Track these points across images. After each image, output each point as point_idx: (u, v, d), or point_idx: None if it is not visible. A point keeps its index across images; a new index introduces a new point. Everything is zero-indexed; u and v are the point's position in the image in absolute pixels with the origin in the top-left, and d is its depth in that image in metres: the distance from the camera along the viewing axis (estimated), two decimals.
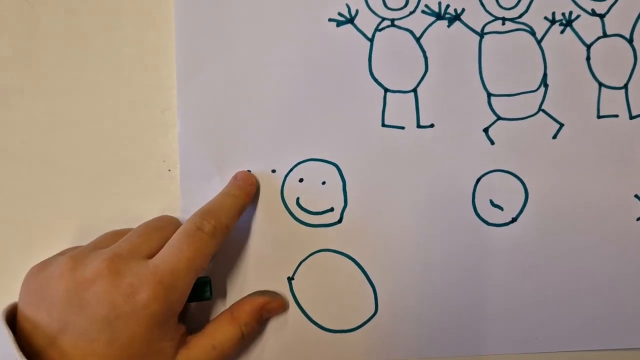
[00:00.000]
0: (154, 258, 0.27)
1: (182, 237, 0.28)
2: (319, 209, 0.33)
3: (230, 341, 0.29)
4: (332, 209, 0.33)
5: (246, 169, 0.33)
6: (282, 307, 0.32)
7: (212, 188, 0.33)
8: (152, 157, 0.34)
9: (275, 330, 0.33)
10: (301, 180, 0.33)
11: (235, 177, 0.32)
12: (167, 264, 0.27)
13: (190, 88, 0.34)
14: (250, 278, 0.32)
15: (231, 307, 0.31)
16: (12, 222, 0.34)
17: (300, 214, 0.33)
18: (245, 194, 0.32)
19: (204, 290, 0.30)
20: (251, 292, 0.32)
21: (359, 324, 0.32)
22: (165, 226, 0.29)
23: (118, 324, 0.25)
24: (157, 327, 0.26)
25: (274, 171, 0.33)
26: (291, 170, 0.33)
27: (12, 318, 0.26)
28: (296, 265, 0.33)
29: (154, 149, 0.34)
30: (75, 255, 0.27)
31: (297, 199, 0.33)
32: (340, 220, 0.33)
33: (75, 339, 0.25)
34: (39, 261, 0.28)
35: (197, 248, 0.27)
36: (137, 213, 0.33)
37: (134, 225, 0.31)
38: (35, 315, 0.26)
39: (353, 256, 0.33)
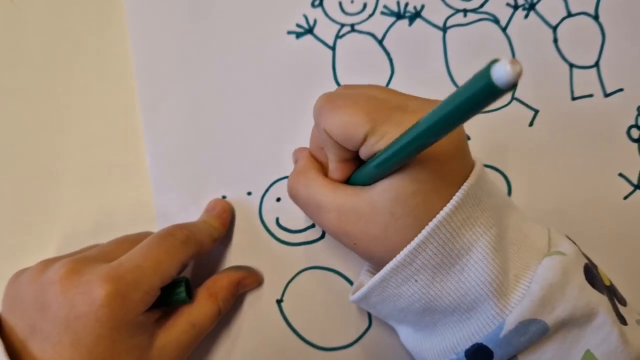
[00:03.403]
0: (120, 258, 0.26)
1: (153, 239, 0.27)
2: (300, 226, 0.32)
3: (209, 318, 0.28)
4: (313, 225, 0.32)
5: (221, 195, 0.32)
6: (258, 281, 0.31)
7: (189, 218, 0.32)
8: (141, 161, 0.33)
9: (271, 355, 0.32)
10: (278, 199, 0.32)
11: (208, 207, 0.32)
12: (132, 261, 0.26)
13: (157, 120, 0.33)
14: (237, 304, 0.32)
15: (206, 283, 0.30)
16: (0, 225, 0.33)
17: (281, 234, 0.32)
18: (221, 223, 0.31)
19: (178, 292, 0.28)
20: (240, 321, 0.32)
21: (354, 339, 0.32)
22: (141, 239, 0.28)
23: (78, 324, 0.24)
24: (122, 326, 0.24)
25: (249, 194, 0.32)
26: (267, 190, 0.32)
27: None
28: (284, 287, 0.32)
29: (142, 153, 0.33)
30: (46, 260, 0.26)
31: (277, 219, 0.32)
32: (323, 236, 0.32)
33: (41, 343, 0.24)
34: (25, 265, 0.27)
35: (166, 250, 0.27)
36: (125, 217, 0.33)
37: (120, 229, 0.30)
38: (11, 320, 0.26)
39: (340, 270, 0.32)
